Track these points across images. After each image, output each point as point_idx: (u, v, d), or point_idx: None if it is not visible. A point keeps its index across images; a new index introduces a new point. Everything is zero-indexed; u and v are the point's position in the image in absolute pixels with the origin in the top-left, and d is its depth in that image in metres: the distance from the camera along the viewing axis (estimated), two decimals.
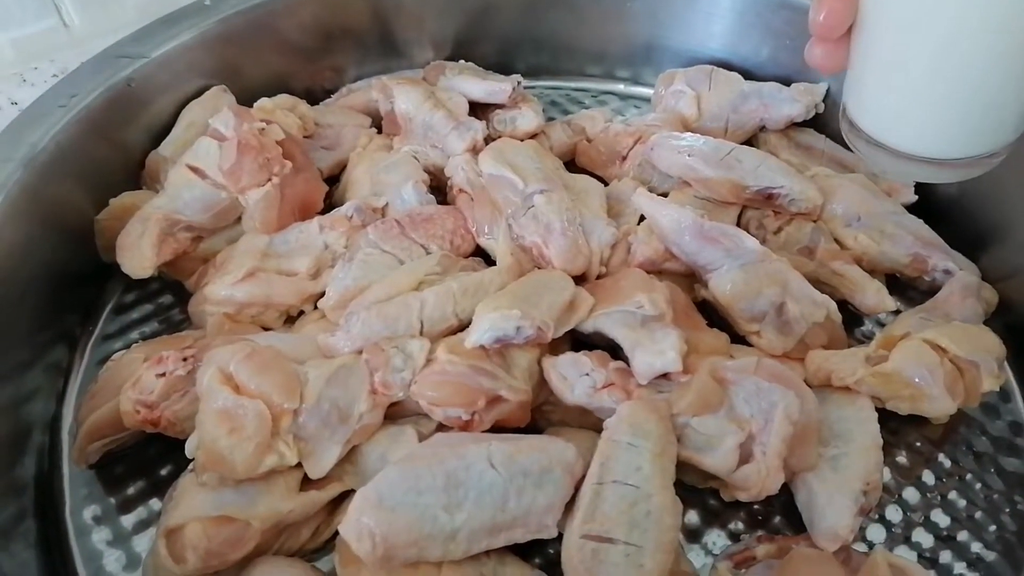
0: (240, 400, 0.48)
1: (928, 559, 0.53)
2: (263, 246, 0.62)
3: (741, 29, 0.80)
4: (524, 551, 0.49)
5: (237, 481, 0.48)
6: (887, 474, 0.56)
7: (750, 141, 0.77)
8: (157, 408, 0.52)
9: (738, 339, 0.59)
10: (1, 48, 0.81)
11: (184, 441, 0.52)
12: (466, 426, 0.51)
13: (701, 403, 0.51)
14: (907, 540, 0.54)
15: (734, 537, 0.54)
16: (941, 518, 0.55)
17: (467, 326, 0.54)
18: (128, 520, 0.54)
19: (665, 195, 0.69)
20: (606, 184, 0.73)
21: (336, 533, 0.47)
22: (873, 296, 0.62)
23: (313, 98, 0.79)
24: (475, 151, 0.69)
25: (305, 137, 0.72)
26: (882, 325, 0.65)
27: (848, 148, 0.75)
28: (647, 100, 0.86)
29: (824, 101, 0.76)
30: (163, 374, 0.52)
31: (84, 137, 0.63)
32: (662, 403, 0.51)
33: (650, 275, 0.59)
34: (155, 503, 0.54)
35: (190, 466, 0.51)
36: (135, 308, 0.67)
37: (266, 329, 0.60)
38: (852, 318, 0.64)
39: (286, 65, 0.78)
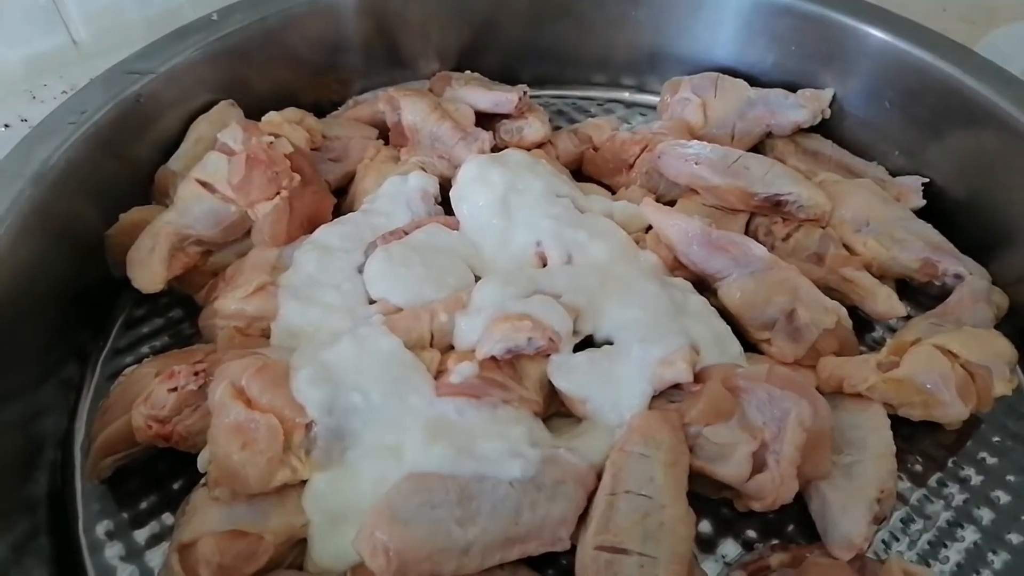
0: (252, 415, 0.48)
1: (944, 566, 0.53)
2: (272, 259, 0.62)
3: (746, 36, 0.80)
4: (537, 563, 0.49)
5: (250, 495, 0.48)
6: (901, 481, 0.56)
7: (757, 147, 0.77)
8: (169, 423, 0.52)
9: (749, 347, 0.59)
10: (11, 65, 0.82)
11: (196, 455, 0.52)
12: None
13: (713, 412, 0.51)
14: (922, 548, 0.53)
15: (748, 546, 0.53)
16: (956, 525, 0.55)
17: None
18: (141, 535, 0.54)
19: (673, 203, 0.69)
20: (613, 192, 0.73)
21: None
22: (884, 302, 0.62)
23: (320, 111, 0.80)
24: None
25: (313, 150, 0.72)
26: (893, 330, 0.65)
27: (855, 153, 0.76)
28: (653, 108, 0.86)
29: (830, 107, 0.76)
30: (175, 389, 0.52)
31: (94, 153, 0.63)
32: (673, 413, 0.51)
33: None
34: (168, 517, 0.55)
35: (202, 480, 0.51)
36: (145, 322, 0.67)
37: None
38: (863, 324, 0.64)
39: (293, 78, 0.79)
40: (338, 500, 0.48)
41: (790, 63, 0.78)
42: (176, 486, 0.56)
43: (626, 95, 0.90)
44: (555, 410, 0.56)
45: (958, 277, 0.64)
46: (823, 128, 0.77)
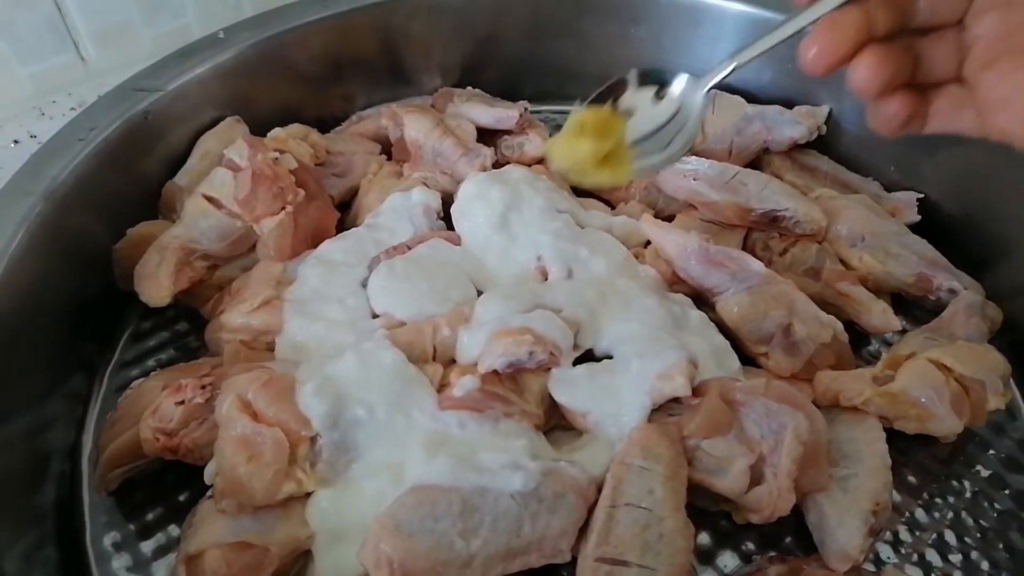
0: (258, 428, 0.49)
1: None
2: (277, 274, 0.63)
3: None
4: (537, 575, 0.50)
5: (255, 507, 0.49)
6: (896, 494, 0.57)
7: (754, 163, 0.78)
8: (176, 436, 0.53)
9: (747, 361, 0.60)
10: (19, 82, 0.83)
11: (203, 467, 0.53)
12: None
13: (711, 425, 0.52)
14: (917, 560, 0.54)
15: (746, 558, 0.54)
16: (951, 537, 0.55)
17: None
18: (147, 546, 0.55)
19: (671, 218, 0.70)
20: (612, 207, 0.74)
21: None
22: (879, 316, 0.63)
23: (324, 126, 0.81)
24: None
25: (317, 165, 0.73)
26: (888, 344, 0.66)
27: (851, 168, 0.77)
28: None
29: (826, 123, 0.77)
30: (182, 402, 0.53)
31: (102, 169, 0.65)
32: (672, 426, 0.52)
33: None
34: (174, 529, 0.55)
35: (209, 492, 0.52)
36: (152, 335, 0.68)
37: None
38: (858, 338, 0.65)
39: (297, 94, 0.80)
40: (341, 514, 0.49)
41: (787, 80, 0.79)
42: (182, 498, 0.57)
43: None
44: (556, 423, 0.57)
45: (952, 292, 0.65)
46: (819, 144, 0.78)
